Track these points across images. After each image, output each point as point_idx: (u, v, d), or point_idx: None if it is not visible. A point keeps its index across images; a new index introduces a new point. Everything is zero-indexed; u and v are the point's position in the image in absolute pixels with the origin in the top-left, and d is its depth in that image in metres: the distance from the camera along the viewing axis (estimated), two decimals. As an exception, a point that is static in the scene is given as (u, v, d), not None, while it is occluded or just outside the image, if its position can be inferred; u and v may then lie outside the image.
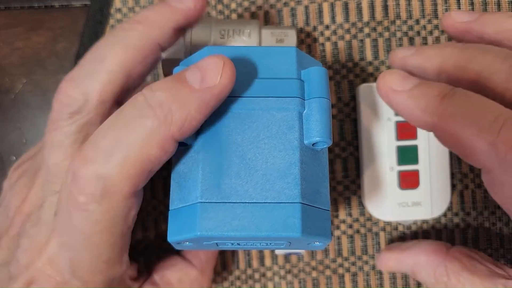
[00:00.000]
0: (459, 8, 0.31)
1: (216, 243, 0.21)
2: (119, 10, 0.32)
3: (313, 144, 0.21)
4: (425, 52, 0.25)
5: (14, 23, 0.32)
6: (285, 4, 0.32)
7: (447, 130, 0.21)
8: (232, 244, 0.21)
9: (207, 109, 0.20)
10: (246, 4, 0.32)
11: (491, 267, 0.24)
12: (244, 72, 0.22)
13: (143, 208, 0.31)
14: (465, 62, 0.23)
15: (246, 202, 0.20)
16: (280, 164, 0.21)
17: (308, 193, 0.21)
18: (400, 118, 0.29)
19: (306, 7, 0.32)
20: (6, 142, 0.32)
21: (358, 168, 0.31)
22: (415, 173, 0.29)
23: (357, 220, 0.31)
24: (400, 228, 0.31)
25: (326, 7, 0.32)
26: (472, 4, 0.31)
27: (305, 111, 0.21)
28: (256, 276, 0.32)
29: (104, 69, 0.22)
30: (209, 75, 0.20)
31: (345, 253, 0.32)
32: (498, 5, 0.31)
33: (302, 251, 0.31)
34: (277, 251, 0.31)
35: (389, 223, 0.31)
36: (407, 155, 0.29)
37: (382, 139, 0.29)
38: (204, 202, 0.20)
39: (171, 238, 0.21)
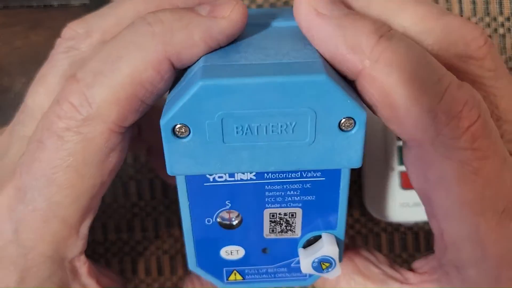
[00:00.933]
0: (461, 8, 0.31)
1: (221, 121, 0.17)
2: (118, 9, 0.32)
3: None
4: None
5: (13, 22, 0.32)
6: (285, 3, 0.32)
7: (377, 80, 0.17)
8: (243, 131, 0.17)
9: (211, 40, 0.18)
10: (246, 3, 0.32)
11: (386, 271, 0.22)
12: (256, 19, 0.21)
13: (142, 209, 0.31)
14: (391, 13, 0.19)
15: (258, 63, 0.17)
16: (296, 45, 0.18)
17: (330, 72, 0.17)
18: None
19: (307, 6, 0.31)
20: (5, 142, 0.32)
21: (359, 169, 0.31)
22: (417, 173, 0.29)
23: (358, 220, 0.31)
24: (402, 229, 0.31)
25: (327, 6, 0.31)
26: (473, 3, 0.31)
27: None
28: (256, 277, 0.31)
29: (115, 12, 0.21)
30: (218, 8, 0.18)
31: (346, 254, 0.31)
32: (500, 4, 0.31)
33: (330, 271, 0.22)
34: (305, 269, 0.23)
35: (390, 224, 0.31)
36: (409, 155, 0.29)
37: (384, 139, 0.29)
38: (208, 65, 0.17)
39: (163, 120, 0.17)
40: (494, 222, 0.17)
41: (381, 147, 0.29)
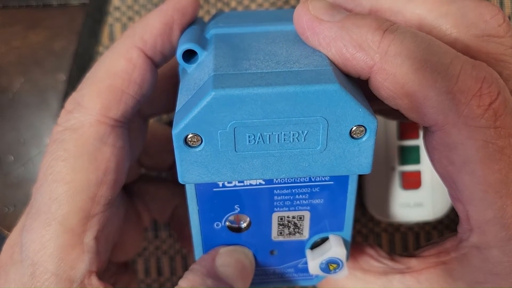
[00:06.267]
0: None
1: (234, 130, 0.17)
2: (117, 8, 0.32)
3: None
4: None
5: (12, 21, 0.32)
6: (286, 2, 0.32)
7: (390, 73, 0.17)
8: (255, 140, 0.17)
9: (165, 17, 0.20)
10: (246, 2, 0.32)
11: (387, 263, 0.22)
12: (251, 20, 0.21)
13: (142, 209, 0.31)
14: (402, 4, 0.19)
15: (269, 71, 0.17)
16: (304, 51, 0.18)
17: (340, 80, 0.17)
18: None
19: (307, 6, 0.31)
20: (3, 141, 0.31)
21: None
22: (417, 174, 0.29)
23: (358, 221, 0.31)
24: (402, 229, 0.31)
25: (327, 5, 0.31)
26: (474, 2, 0.31)
27: None
28: (256, 277, 0.31)
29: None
30: None
31: (346, 254, 0.31)
32: (501, 3, 0.31)
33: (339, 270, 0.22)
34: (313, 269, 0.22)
35: (391, 224, 0.31)
36: (409, 155, 0.29)
37: (384, 139, 0.29)
38: (219, 74, 0.17)
39: (176, 129, 0.17)
40: None
41: (381, 148, 0.29)
